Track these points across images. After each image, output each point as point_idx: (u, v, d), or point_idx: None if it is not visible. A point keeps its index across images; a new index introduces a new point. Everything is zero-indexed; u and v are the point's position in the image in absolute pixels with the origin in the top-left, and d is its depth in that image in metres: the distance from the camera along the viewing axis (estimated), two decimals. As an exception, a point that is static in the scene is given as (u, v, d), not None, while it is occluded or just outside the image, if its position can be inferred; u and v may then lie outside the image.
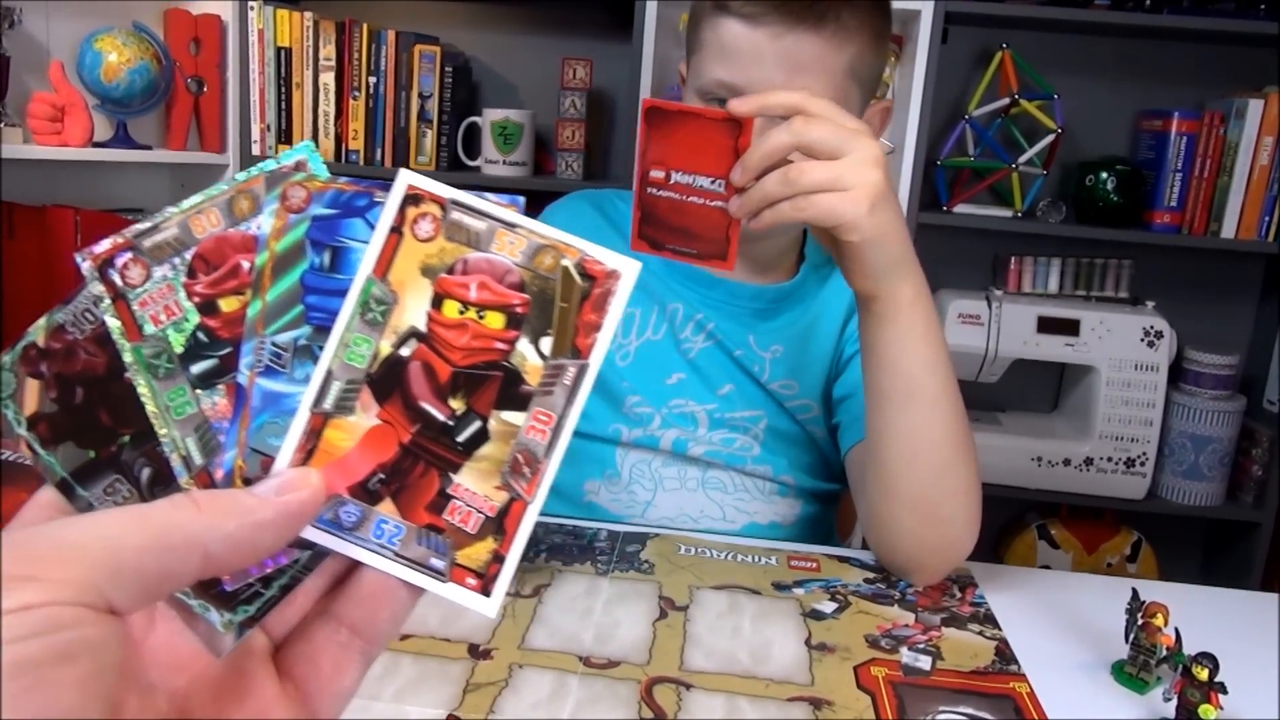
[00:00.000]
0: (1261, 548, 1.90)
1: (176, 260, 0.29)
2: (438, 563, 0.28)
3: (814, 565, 0.82)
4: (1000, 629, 0.73)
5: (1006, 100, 1.91)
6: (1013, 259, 2.00)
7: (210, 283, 0.30)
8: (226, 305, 0.30)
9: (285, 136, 1.97)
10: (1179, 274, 2.02)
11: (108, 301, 0.29)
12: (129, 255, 0.29)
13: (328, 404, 0.29)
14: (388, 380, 0.29)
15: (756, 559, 0.82)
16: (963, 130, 1.92)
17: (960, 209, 1.92)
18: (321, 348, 0.29)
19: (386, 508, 0.29)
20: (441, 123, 1.96)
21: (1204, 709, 0.58)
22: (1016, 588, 0.81)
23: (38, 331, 0.29)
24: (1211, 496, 1.92)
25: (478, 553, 0.29)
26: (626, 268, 0.29)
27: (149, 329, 0.29)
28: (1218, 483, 1.92)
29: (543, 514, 0.95)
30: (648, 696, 0.60)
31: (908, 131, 1.78)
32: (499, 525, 0.29)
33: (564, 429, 0.29)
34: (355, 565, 0.29)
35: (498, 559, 0.29)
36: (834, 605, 0.75)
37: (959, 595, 0.78)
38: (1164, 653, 0.65)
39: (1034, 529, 2.02)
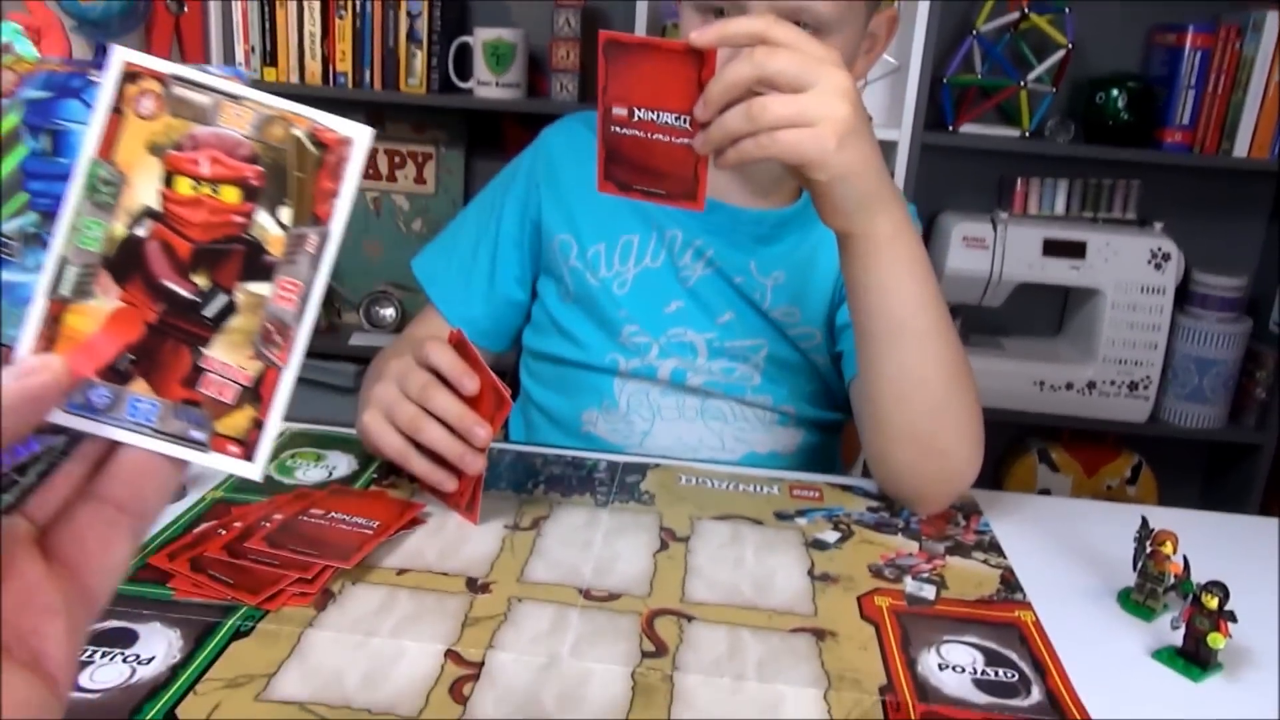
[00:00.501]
0: (1262, 471, 1.90)
1: None
2: (197, 434, 0.30)
3: (816, 494, 0.80)
4: (1005, 557, 0.72)
5: (1016, 15, 1.84)
6: (1019, 180, 1.96)
7: None
8: None
9: (270, 58, 1.91)
10: (1188, 194, 1.98)
11: None
12: None
13: (65, 289, 0.29)
14: (126, 261, 0.29)
15: (758, 489, 0.81)
16: (970, 46, 1.86)
17: (966, 129, 1.87)
18: (50, 234, 0.29)
19: (139, 387, 0.30)
20: (431, 43, 1.90)
21: (1213, 637, 0.58)
22: (1021, 515, 0.80)
23: None
24: (1214, 419, 1.91)
25: (237, 421, 0.30)
26: (359, 134, 0.29)
27: None
28: (1221, 406, 1.91)
29: (540, 444, 0.95)
30: (649, 629, 0.60)
31: (913, 48, 1.72)
32: (255, 393, 0.30)
33: (312, 296, 0.30)
34: (116, 446, 0.29)
35: (257, 425, 0.30)
36: (837, 535, 0.74)
37: (963, 523, 0.77)
38: (1172, 581, 0.65)
39: (1034, 452, 2.02)
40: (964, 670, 0.57)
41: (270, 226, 0.29)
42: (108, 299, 0.29)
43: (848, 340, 0.88)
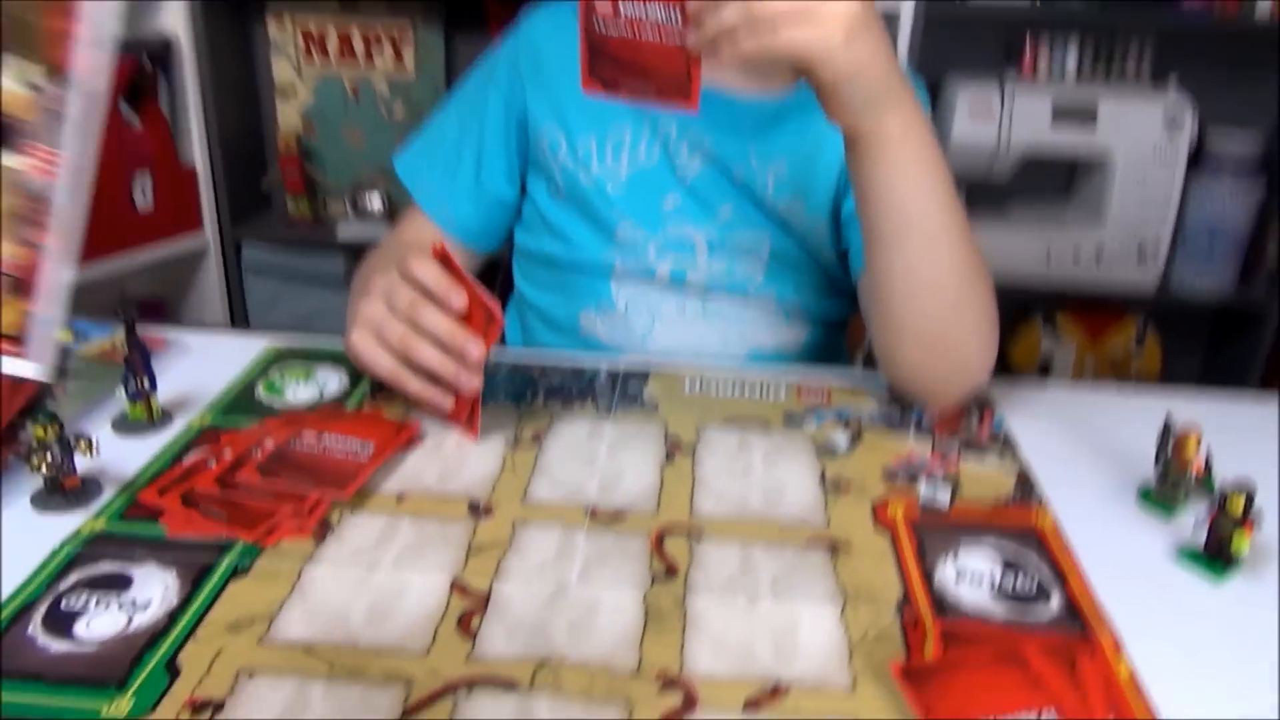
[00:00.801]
0: (1267, 339, 1.88)
1: None
2: None
3: (825, 395, 0.78)
4: (1021, 456, 0.70)
5: None
6: (1028, 42, 1.86)
7: None
8: None
9: (231, -65, 1.79)
10: (1204, 52, 1.89)
11: None
12: None
13: None
14: None
15: (765, 392, 0.78)
16: (977, -105, 1.74)
17: (973, -11, 1.77)
18: None
19: None
20: (401, -89, 1.77)
21: (1237, 540, 0.56)
22: (1036, 408, 0.78)
23: None
24: (1222, 285, 1.87)
25: (7, 317, 0.24)
26: None
27: None
28: (1229, 271, 1.87)
29: (539, 345, 0.92)
30: (658, 549, 0.58)
31: (917, -101, 1.61)
32: (23, 283, 0.24)
33: (78, 166, 0.24)
34: None
35: (33, 318, 0.24)
36: (847, 438, 0.72)
37: (977, 421, 0.75)
38: (1194, 479, 0.63)
39: (1039, 321, 1.99)
40: (982, 581, 0.56)
41: (14, 83, 0.24)
42: None
43: (855, 233, 0.83)
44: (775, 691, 0.48)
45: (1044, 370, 2.00)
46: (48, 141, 0.24)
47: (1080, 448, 0.72)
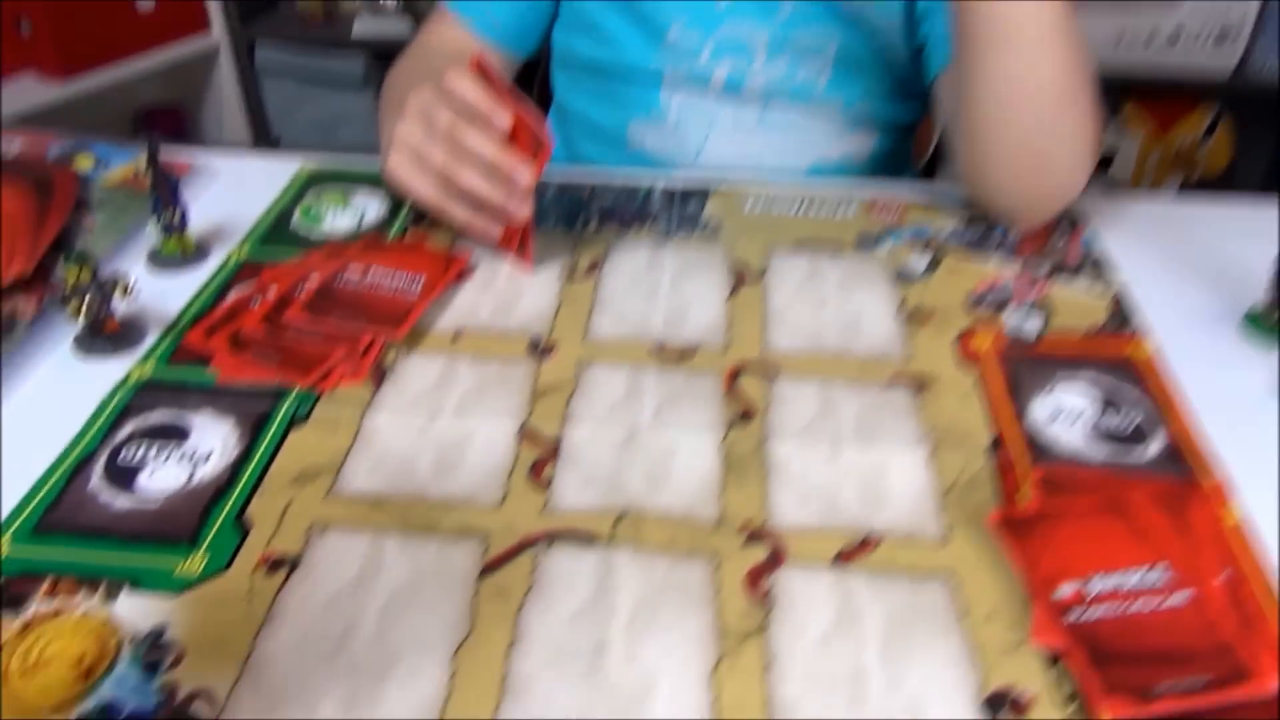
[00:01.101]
0: (1350, 122, 1.75)
1: None
2: None
3: (898, 211, 0.72)
4: (1116, 277, 0.65)
5: None
6: None
7: None
8: None
9: None
10: None
11: None
12: None
13: None
14: None
15: (833, 210, 0.73)
16: None
17: None
18: None
19: None
20: None
21: (1362, 373, 0.52)
22: (1132, 221, 0.72)
23: None
24: (1305, 67, 1.73)
25: None
26: None
27: None
28: (1315, 52, 1.72)
29: (585, 161, 0.86)
30: (732, 389, 0.55)
31: None
32: None
33: None
34: None
35: None
36: (926, 261, 0.67)
37: (1066, 238, 0.69)
38: (1311, 303, 0.58)
39: (1103, 112, 1.87)
40: (1077, 419, 0.53)
41: None
42: None
43: (933, 26, 0.75)
44: (865, 544, 0.46)
45: (1105, 164, 1.90)
46: None
47: (1180, 267, 0.67)
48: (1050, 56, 0.61)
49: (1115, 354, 0.58)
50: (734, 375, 0.56)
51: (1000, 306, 0.62)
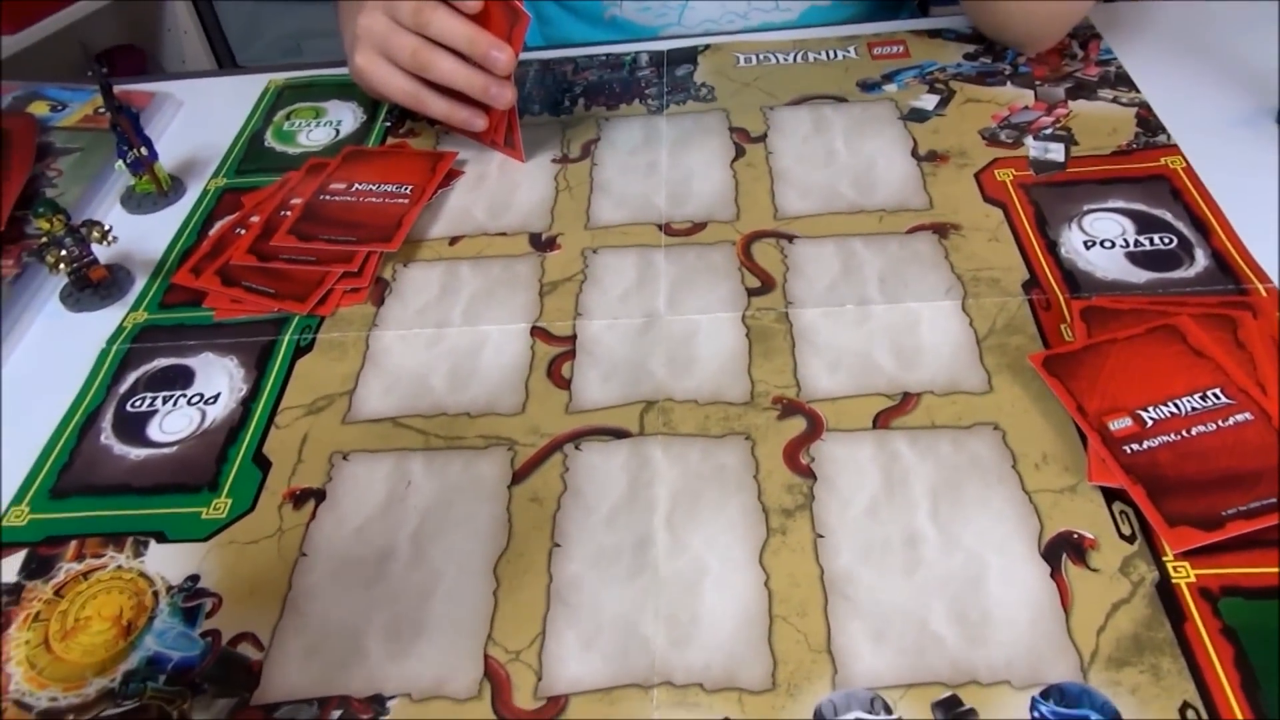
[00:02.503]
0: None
1: None
2: None
3: (900, 49, 0.68)
4: (1138, 89, 0.61)
5: None
6: None
7: None
8: None
9: None
10: None
11: None
12: None
13: None
14: None
15: (831, 54, 0.68)
16: None
17: None
18: None
19: None
20: None
21: None
22: (1148, 29, 0.67)
23: None
24: None
25: None
26: None
27: None
28: None
29: (562, 41, 0.81)
30: (747, 259, 0.52)
31: None
32: None
33: None
34: None
35: None
36: (936, 98, 0.63)
37: (1081, 54, 0.65)
38: (1355, 90, 0.54)
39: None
40: (1113, 245, 0.50)
41: None
42: None
43: None
44: (905, 403, 0.44)
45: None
46: None
47: (1203, 71, 0.62)
48: None
49: (1147, 170, 0.54)
50: (747, 245, 0.53)
51: (1020, 136, 0.58)
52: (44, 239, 0.53)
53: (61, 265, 0.53)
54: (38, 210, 0.52)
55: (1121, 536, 0.38)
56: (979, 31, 0.67)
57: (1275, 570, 0.36)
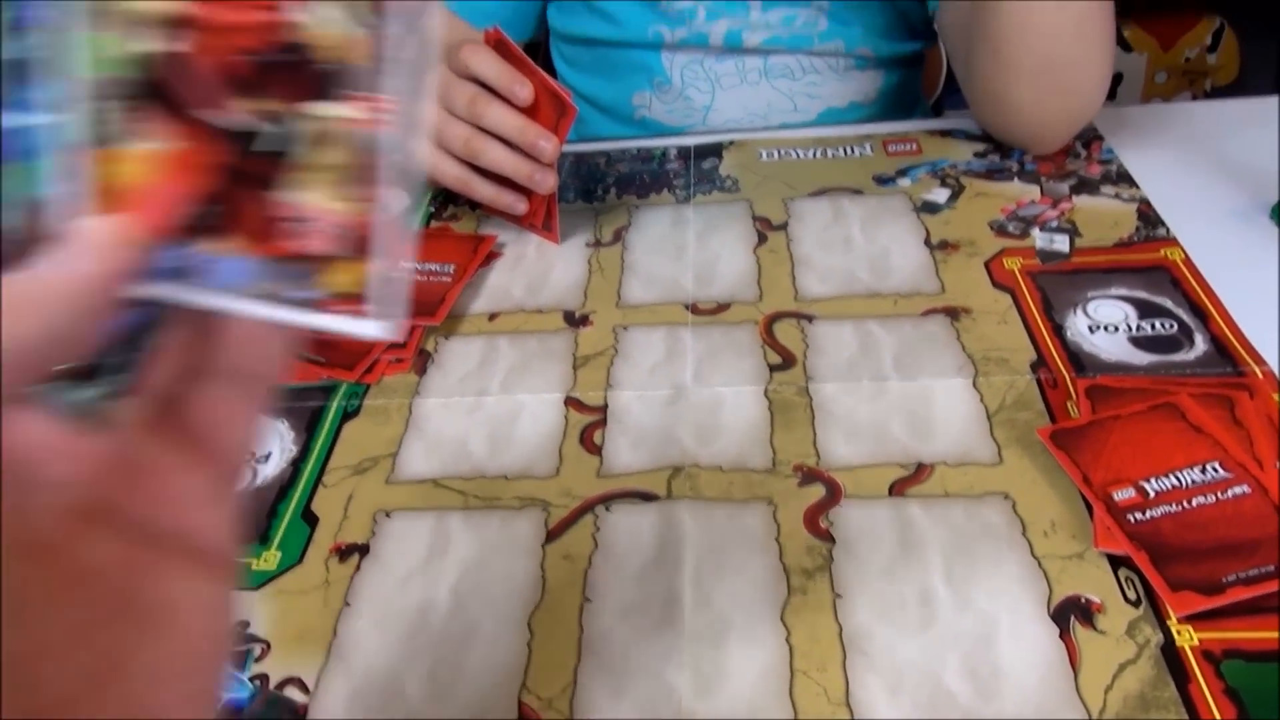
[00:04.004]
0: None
1: None
2: (300, 294, 0.23)
3: (914, 147, 0.72)
4: (1138, 186, 0.65)
5: None
6: None
7: None
8: None
9: None
10: None
11: None
12: None
13: (86, 132, 0.21)
14: (162, 87, 0.21)
15: (849, 150, 0.73)
16: None
17: None
18: (49, 61, 0.21)
19: (217, 244, 0.22)
20: None
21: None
22: (1147, 131, 0.71)
23: None
24: (1310, -40, 1.70)
25: (346, 275, 0.23)
26: None
27: None
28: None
29: (594, 137, 0.86)
30: (769, 337, 0.56)
31: None
32: (360, 239, 0.22)
33: (413, 113, 0.21)
34: (212, 313, 0.24)
35: (373, 276, 0.23)
36: (947, 192, 0.67)
37: (1084, 154, 0.69)
38: (1342, 189, 0.57)
39: (1104, 34, 1.85)
40: (1117, 329, 0.53)
41: (333, 18, 0.21)
42: (152, 139, 0.22)
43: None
44: (919, 472, 0.46)
45: (1112, 88, 1.87)
46: (377, 86, 0.20)
47: (1199, 169, 0.66)
48: None
49: (1148, 261, 0.58)
50: (769, 324, 0.57)
51: (1027, 228, 0.62)
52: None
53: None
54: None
55: (1127, 601, 0.40)
56: (990, 131, 0.72)
57: (1275, 635, 0.38)
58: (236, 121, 0.22)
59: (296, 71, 0.21)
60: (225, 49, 0.21)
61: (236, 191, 0.22)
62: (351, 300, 0.23)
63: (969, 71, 0.70)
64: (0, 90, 0.22)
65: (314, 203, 0.22)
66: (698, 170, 0.72)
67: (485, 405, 0.53)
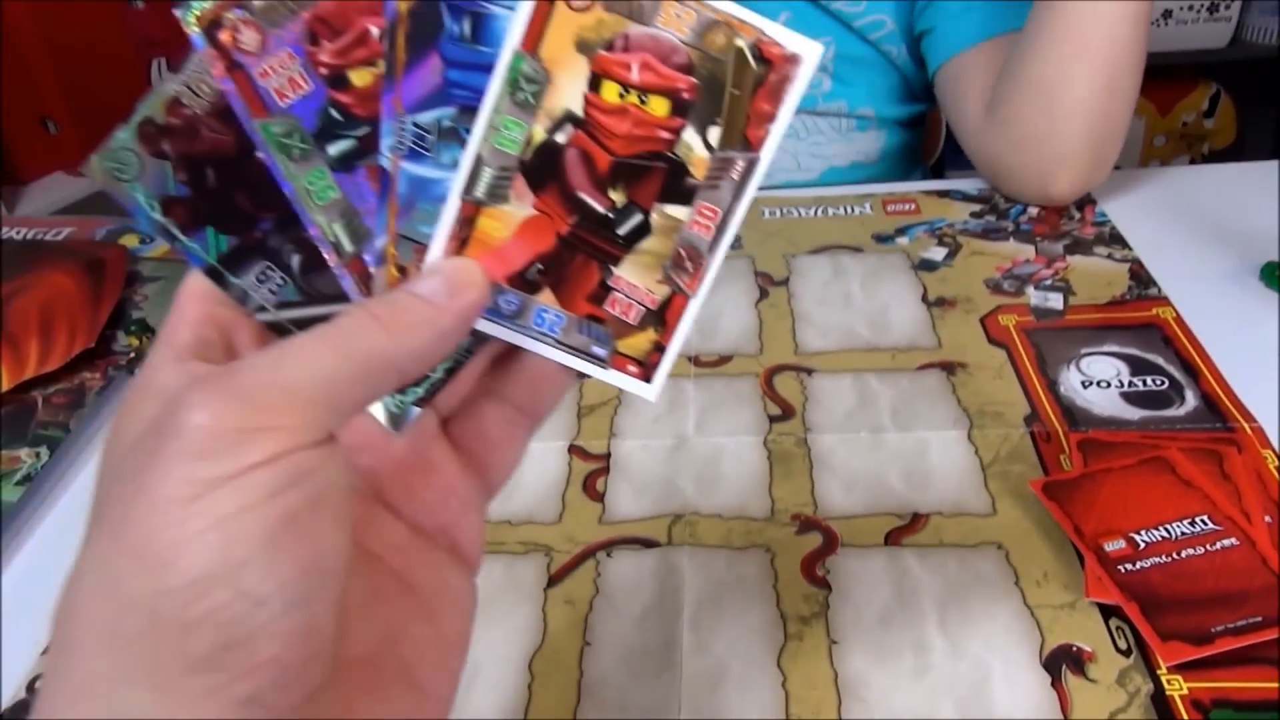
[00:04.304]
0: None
1: (296, 24, 0.26)
2: (599, 350, 0.28)
3: (912, 206, 0.74)
4: (1130, 248, 0.66)
5: None
6: None
7: (336, 52, 0.26)
8: (358, 78, 0.27)
9: None
10: None
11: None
12: (240, 15, 0.26)
13: (480, 191, 0.27)
14: (543, 168, 0.27)
15: (849, 209, 0.75)
16: None
17: None
18: (468, 130, 0.26)
19: (546, 298, 0.28)
20: None
21: (1385, 312, 0.53)
22: (1139, 193, 0.73)
23: (152, 105, 0.27)
24: (1302, 31, 1.74)
25: (639, 342, 0.28)
26: (808, 52, 0.26)
27: (275, 104, 0.27)
28: (1311, 15, 1.73)
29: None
30: (769, 390, 0.57)
31: None
32: (660, 317, 0.28)
33: (730, 224, 0.27)
34: (517, 350, 0.29)
35: (658, 349, 0.28)
36: (944, 250, 0.69)
37: (1078, 215, 0.71)
38: (1327, 251, 0.59)
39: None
40: (1109, 385, 0.54)
41: (696, 146, 0.26)
42: (521, 205, 0.27)
43: (929, 19, 0.77)
44: (915, 522, 0.47)
45: (1111, 148, 1.90)
46: (709, 198, 0.26)
47: (1191, 231, 0.68)
48: (1110, 62, 0.64)
49: (1140, 319, 0.59)
50: (770, 377, 0.58)
51: (1022, 286, 0.63)
52: (132, 354, 0.59)
53: (145, 378, 0.59)
54: (130, 328, 0.58)
55: (1118, 650, 0.40)
56: (984, 194, 0.74)
57: (1261, 684, 0.38)
58: (601, 205, 0.27)
59: (657, 176, 0.27)
60: (611, 149, 0.27)
61: (575, 258, 0.27)
62: (633, 363, 0.28)
63: (975, 137, 0.72)
64: (436, 147, 0.27)
65: (637, 281, 0.27)
66: (702, 227, 0.74)
67: (491, 452, 0.54)
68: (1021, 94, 0.68)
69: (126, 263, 0.72)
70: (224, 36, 0.26)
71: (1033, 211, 0.72)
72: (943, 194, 0.76)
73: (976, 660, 0.41)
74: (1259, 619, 0.40)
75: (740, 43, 0.26)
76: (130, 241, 0.77)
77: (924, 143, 0.98)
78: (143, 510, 0.20)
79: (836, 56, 0.81)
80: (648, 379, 0.28)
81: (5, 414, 0.59)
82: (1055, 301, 0.61)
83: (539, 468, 0.53)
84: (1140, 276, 0.63)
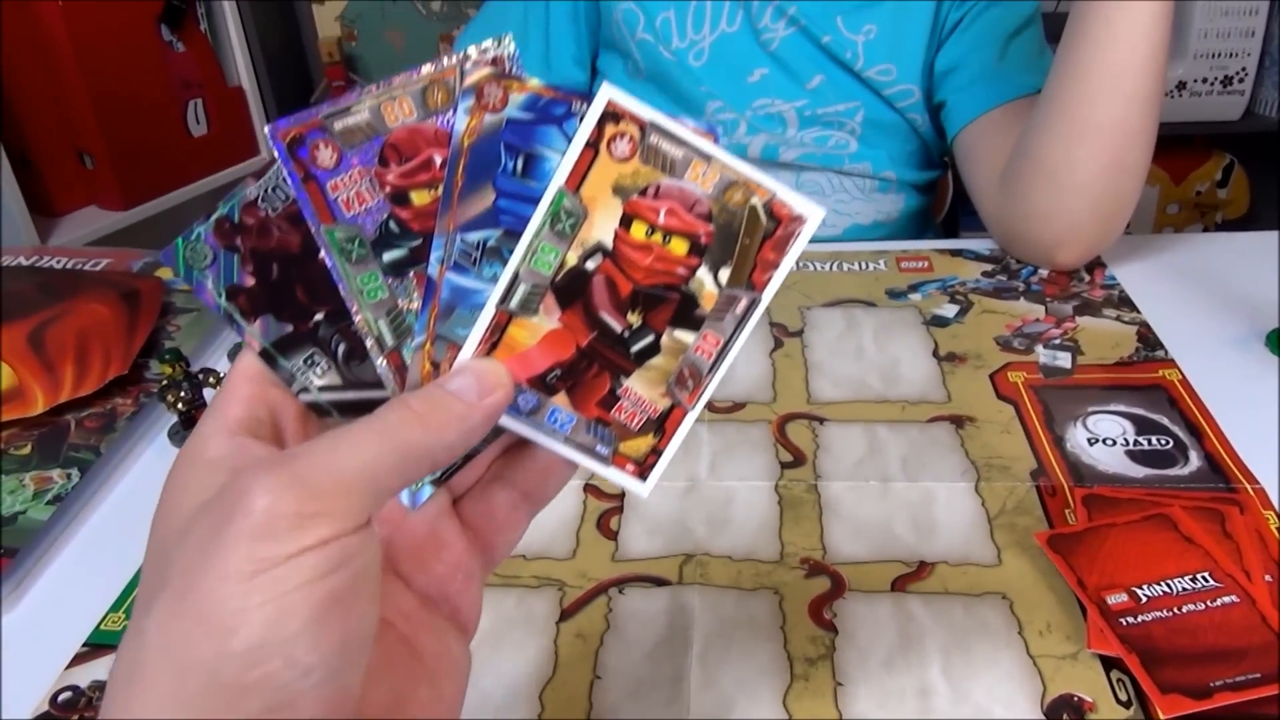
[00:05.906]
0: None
1: (368, 147, 0.30)
2: (603, 450, 0.31)
3: (925, 264, 0.76)
4: (1139, 310, 0.68)
5: None
6: None
7: (402, 174, 0.30)
8: (418, 198, 0.30)
9: None
10: None
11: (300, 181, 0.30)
12: (320, 136, 0.29)
13: (513, 303, 0.30)
14: (571, 289, 0.30)
15: (864, 265, 0.77)
16: None
17: None
18: (509, 250, 0.30)
19: (561, 400, 0.31)
20: None
21: (1386, 381, 0.54)
22: (1148, 259, 0.75)
23: (230, 205, 0.30)
24: (1315, 106, 1.77)
25: (638, 446, 0.31)
26: (812, 215, 0.30)
27: (341, 214, 0.30)
28: (1323, 90, 1.76)
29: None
30: (781, 437, 0.58)
31: None
32: (660, 425, 0.31)
33: (729, 351, 0.31)
34: (529, 443, 0.32)
35: (655, 452, 0.32)
36: (956, 307, 0.70)
37: (1088, 278, 0.72)
38: (1331, 320, 0.60)
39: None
40: (1115, 443, 0.55)
41: (708, 283, 0.30)
42: (548, 319, 0.31)
43: (950, 88, 0.80)
44: (921, 569, 0.48)
45: (1125, 214, 1.93)
46: (714, 327, 0.30)
47: (1198, 296, 0.70)
48: (1135, 116, 0.67)
49: (1146, 380, 0.60)
50: (782, 424, 0.59)
51: (1031, 344, 0.65)
52: (164, 381, 0.60)
53: (178, 404, 0.61)
54: (163, 356, 0.60)
55: (1118, 701, 0.41)
56: (995, 254, 0.76)
57: (1262, 740, 0.39)
58: (619, 325, 0.31)
59: (671, 304, 0.30)
60: (634, 279, 0.30)
61: (591, 367, 0.31)
62: (632, 463, 0.32)
63: (991, 196, 0.74)
64: (480, 262, 0.30)
65: (643, 392, 0.31)
66: (719, 278, 0.76)
67: (509, 488, 0.56)
68: (1030, 172, 0.70)
69: (161, 294, 0.75)
70: (304, 152, 0.30)
71: (1043, 272, 0.73)
72: (955, 253, 0.78)
73: (979, 707, 0.41)
74: (1258, 675, 0.41)
75: (755, 201, 0.30)
76: (165, 274, 0.80)
77: (934, 203, 1.00)
78: (210, 581, 0.22)
79: (865, 121, 0.84)
80: (643, 477, 0.32)
81: (40, 435, 0.61)
82: (1064, 360, 0.63)
83: (555, 504, 0.54)
84: (1147, 339, 0.65)
